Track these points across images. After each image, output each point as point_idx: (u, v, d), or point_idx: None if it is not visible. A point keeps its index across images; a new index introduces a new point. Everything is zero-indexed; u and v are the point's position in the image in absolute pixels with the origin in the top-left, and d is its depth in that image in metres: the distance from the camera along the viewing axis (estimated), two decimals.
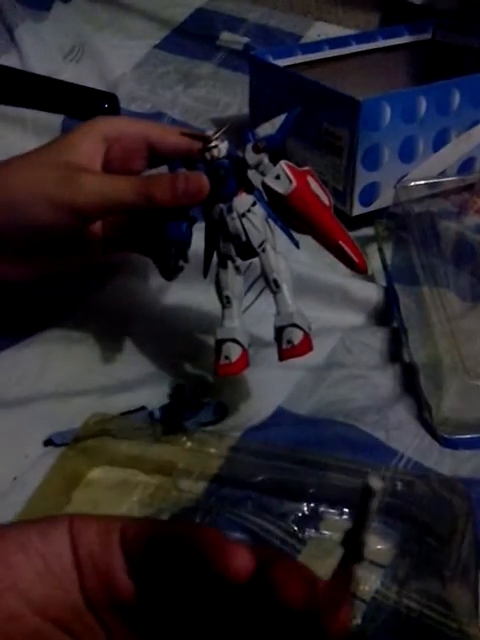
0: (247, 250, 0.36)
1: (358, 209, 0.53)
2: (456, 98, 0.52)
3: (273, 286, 0.36)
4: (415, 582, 0.31)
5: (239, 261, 0.37)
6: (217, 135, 0.35)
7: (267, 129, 0.36)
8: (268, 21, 0.89)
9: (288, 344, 0.36)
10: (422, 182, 0.53)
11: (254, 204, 0.35)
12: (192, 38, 0.85)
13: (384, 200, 0.53)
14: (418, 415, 0.41)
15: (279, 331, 0.36)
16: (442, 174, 0.55)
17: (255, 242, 0.35)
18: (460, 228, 0.54)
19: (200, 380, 0.43)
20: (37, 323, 0.47)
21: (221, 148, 0.35)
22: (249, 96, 0.65)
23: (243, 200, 0.35)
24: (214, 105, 0.74)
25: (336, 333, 0.46)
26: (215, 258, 0.38)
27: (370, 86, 0.65)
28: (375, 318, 0.48)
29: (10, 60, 0.73)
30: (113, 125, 0.38)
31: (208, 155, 0.35)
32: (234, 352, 0.36)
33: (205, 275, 0.39)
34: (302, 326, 0.36)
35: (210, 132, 0.35)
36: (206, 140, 0.35)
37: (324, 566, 0.32)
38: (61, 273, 0.46)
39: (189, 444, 0.36)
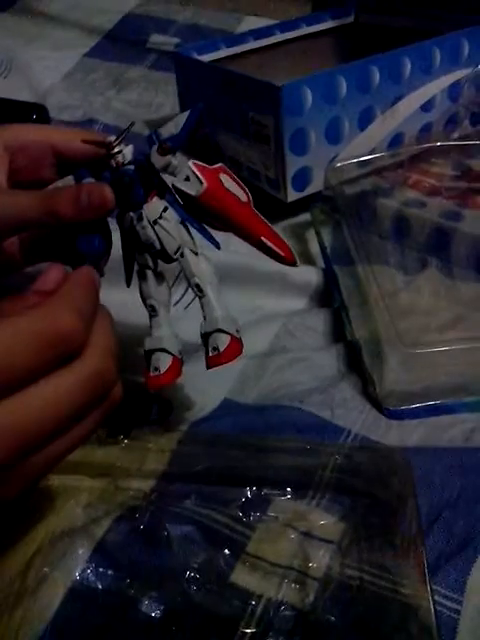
0: (165, 256, 0.35)
1: (292, 195, 0.53)
2: (376, 76, 0.52)
3: (196, 291, 0.35)
4: (365, 554, 0.31)
5: (162, 266, 0.36)
6: (118, 140, 0.33)
7: (170, 129, 0.34)
8: (198, 20, 0.89)
9: (214, 351, 0.34)
10: (353, 161, 0.53)
11: (166, 209, 0.34)
12: (122, 43, 0.85)
13: (317, 184, 0.54)
14: (363, 391, 0.41)
15: (205, 338, 0.34)
16: (372, 152, 0.55)
17: (170, 249, 0.34)
18: (396, 204, 0.55)
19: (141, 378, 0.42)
20: None
21: (125, 153, 0.33)
22: (178, 94, 0.65)
23: (153, 206, 0.34)
24: (147, 107, 0.74)
25: (278, 319, 0.46)
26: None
27: (298, 74, 0.66)
28: (316, 301, 0.49)
29: None
30: (13, 133, 0.36)
31: (113, 162, 0.33)
32: (164, 362, 0.35)
33: (128, 284, 0.38)
34: (228, 331, 0.34)
35: (111, 138, 0.33)
36: (108, 147, 0.33)
37: (276, 549, 0.32)
38: None
39: (126, 442, 0.35)
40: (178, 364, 0.35)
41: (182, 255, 0.35)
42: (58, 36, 0.87)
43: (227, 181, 0.34)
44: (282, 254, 0.35)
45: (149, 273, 0.35)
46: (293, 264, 0.36)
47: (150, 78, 0.78)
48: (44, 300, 0.26)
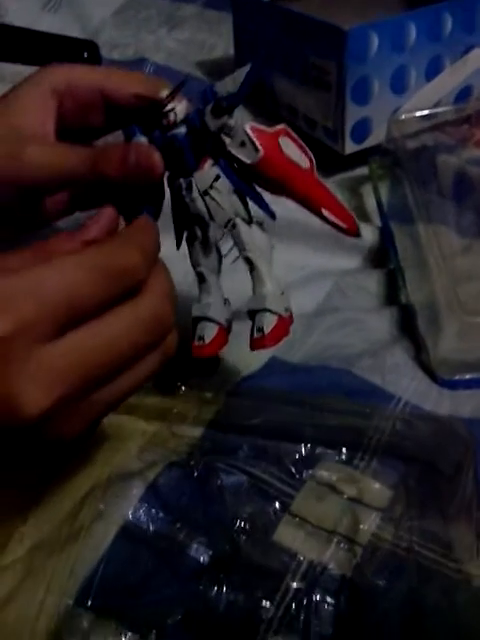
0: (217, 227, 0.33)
1: (350, 147, 0.51)
2: (448, 23, 0.49)
3: (247, 264, 0.33)
4: (415, 521, 0.31)
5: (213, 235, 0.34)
6: (170, 97, 0.30)
7: (228, 86, 0.31)
8: None
9: (259, 332, 0.32)
10: (416, 115, 0.50)
11: (217, 178, 0.32)
12: None
13: (377, 136, 0.51)
14: (415, 357, 0.40)
15: (251, 314, 0.33)
16: (437, 105, 0.52)
17: (220, 222, 0.32)
18: (459, 162, 0.52)
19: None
20: None
21: (178, 111, 0.31)
22: (233, 35, 0.62)
23: (205, 175, 0.31)
24: (199, 47, 0.71)
25: (330, 277, 0.45)
26: None
27: (362, 17, 0.62)
28: (371, 260, 0.47)
29: None
30: (63, 76, 0.33)
31: (164, 120, 0.31)
32: (209, 332, 0.33)
33: (178, 247, 0.36)
34: (276, 310, 0.32)
35: (164, 93, 0.31)
36: (160, 105, 0.30)
37: (320, 511, 0.32)
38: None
39: (183, 389, 0.35)
40: (224, 334, 0.34)
41: (234, 226, 0.33)
42: None
43: (287, 145, 0.32)
44: (345, 226, 0.33)
45: (197, 242, 0.34)
46: (357, 236, 0.34)
47: (203, 17, 0.75)
48: (105, 238, 0.26)
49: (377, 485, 0.31)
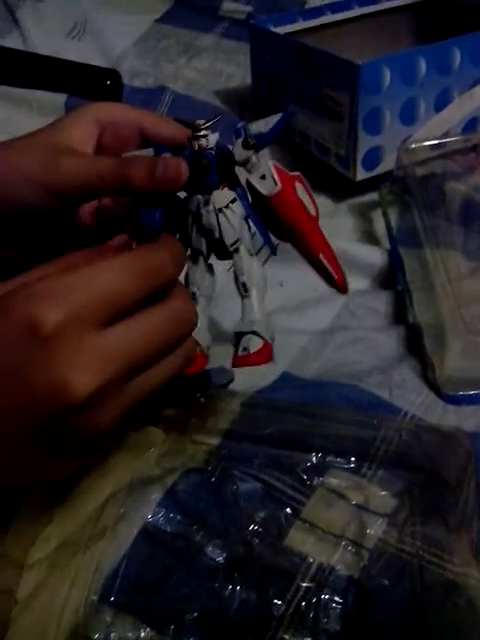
0: (221, 249, 0.34)
1: (362, 174, 0.53)
2: (456, 57, 0.51)
3: (241, 290, 0.35)
4: (419, 528, 0.32)
5: (214, 260, 0.36)
6: (208, 124, 0.33)
7: (260, 126, 0.34)
8: None
9: (243, 351, 0.34)
10: (425, 144, 0.53)
11: (234, 201, 0.34)
12: (194, 10, 0.85)
13: (388, 164, 0.53)
14: (422, 374, 0.41)
15: (238, 337, 0.35)
16: (446, 135, 0.54)
17: (228, 240, 0.34)
18: (467, 188, 0.54)
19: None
20: None
21: (210, 139, 0.33)
22: (251, 65, 0.65)
23: (223, 195, 0.33)
24: (217, 76, 0.74)
25: (340, 298, 0.47)
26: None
27: (374, 49, 0.65)
28: (380, 282, 0.49)
29: (12, 41, 0.74)
30: (107, 111, 0.38)
31: (195, 144, 0.33)
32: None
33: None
34: (263, 335, 0.34)
35: (201, 121, 0.33)
36: (195, 128, 0.33)
37: (329, 517, 0.33)
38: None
39: (202, 400, 0.37)
40: (202, 358, 0.35)
41: (237, 251, 0.34)
42: (130, 0, 0.87)
43: (301, 191, 0.34)
44: (335, 277, 0.35)
45: (201, 260, 0.35)
46: (344, 292, 0.35)
47: (221, 47, 0.78)
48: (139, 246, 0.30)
49: (383, 493, 0.33)
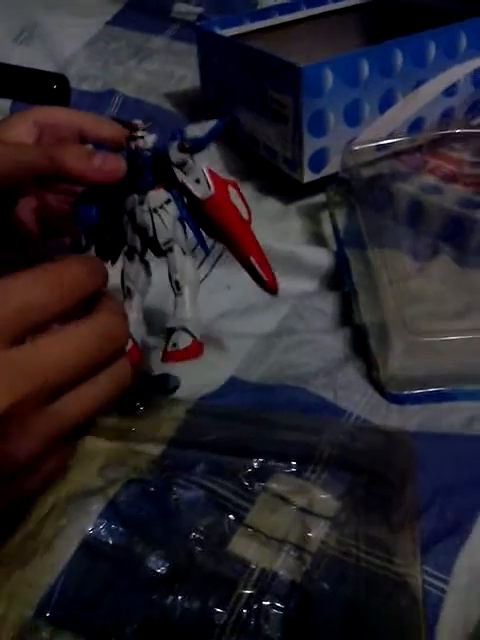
0: (155, 247, 0.35)
1: (309, 176, 0.54)
2: (399, 59, 0.52)
3: (175, 288, 0.35)
4: (362, 529, 0.32)
5: (150, 256, 0.36)
6: (145, 126, 0.34)
7: (195, 131, 0.35)
8: None
9: (173, 346, 0.35)
10: (370, 145, 0.53)
11: (168, 202, 0.35)
12: (145, 12, 0.84)
13: (334, 165, 0.54)
14: (367, 375, 0.42)
15: (169, 332, 0.35)
16: (391, 136, 0.55)
17: (161, 239, 0.35)
18: (413, 189, 0.55)
19: (150, 354, 0.43)
20: None
21: (147, 140, 0.34)
22: (199, 68, 0.65)
23: (158, 195, 0.34)
24: (168, 78, 0.73)
25: (289, 300, 0.47)
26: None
27: (322, 50, 0.65)
28: (327, 283, 0.49)
29: None
30: (47, 113, 0.39)
31: (133, 144, 0.34)
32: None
33: (114, 261, 0.38)
34: (193, 333, 0.35)
35: (138, 121, 0.34)
36: (133, 128, 0.34)
37: (273, 522, 0.33)
38: None
39: (142, 409, 0.37)
40: (136, 351, 0.35)
41: (171, 250, 0.35)
42: (81, 2, 0.86)
43: (234, 195, 0.35)
44: (265, 279, 0.36)
45: (136, 257, 0.36)
46: (273, 292, 0.37)
47: (172, 49, 0.78)
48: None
49: (325, 495, 0.33)
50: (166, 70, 0.74)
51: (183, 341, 0.34)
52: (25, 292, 0.25)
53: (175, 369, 0.42)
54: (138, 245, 0.35)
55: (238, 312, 0.47)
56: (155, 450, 0.35)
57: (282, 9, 0.67)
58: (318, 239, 0.53)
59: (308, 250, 0.50)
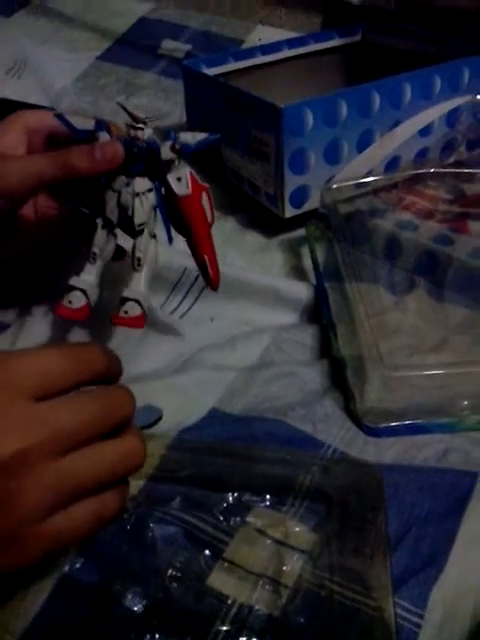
0: (129, 226, 0.41)
1: (290, 211, 0.55)
2: (376, 100, 0.54)
3: (135, 263, 0.41)
4: (336, 562, 0.33)
5: (120, 234, 0.42)
6: (148, 121, 0.39)
7: (188, 138, 0.40)
8: (210, 27, 0.91)
9: (124, 313, 0.41)
10: (348, 183, 0.55)
11: (150, 190, 0.40)
12: (134, 48, 0.86)
13: (314, 202, 0.55)
14: (345, 407, 0.43)
15: (122, 301, 0.41)
16: (369, 174, 0.57)
17: (137, 220, 0.40)
18: (390, 225, 0.57)
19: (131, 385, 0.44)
20: None
21: (146, 132, 0.39)
22: (185, 105, 0.67)
23: (143, 183, 0.40)
24: (155, 114, 0.75)
25: (269, 333, 0.48)
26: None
27: (304, 90, 0.67)
28: (306, 316, 0.50)
29: None
30: (34, 117, 0.42)
31: (132, 132, 0.39)
32: (78, 301, 0.41)
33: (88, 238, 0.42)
34: (144, 305, 0.41)
35: (142, 115, 0.39)
36: (136, 119, 0.39)
37: (251, 556, 0.34)
38: None
39: None
40: (87, 309, 0.41)
41: (141, 232, 0.41)
42: (72, 37, 0.89)
43: (205, 200, 0.41)
44: (211, 276, 0.43)
45: (108, 230, 0.41)
46: (215, 289, 0.44)
47: (160, 85, 0.80)
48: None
49: (300, 528, 0.34)
50: (154, 106, 0.76)
51: (133, 311, 0.41)
52: (46, 358, 0.27)
53: (158, 400, 0.42)
54: (115, 219, 0.41)
55: (220, 345, 0.48)
56: (134, 487, 0.36)
57: (265, 49, 0.69)
58: (298, 272, 0.54)
59: (288, 283, 0.52)
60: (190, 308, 0.51)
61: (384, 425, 0.41)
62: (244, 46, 0.85)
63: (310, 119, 0.51)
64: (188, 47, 0.85)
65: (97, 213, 0.41)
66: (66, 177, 0.38)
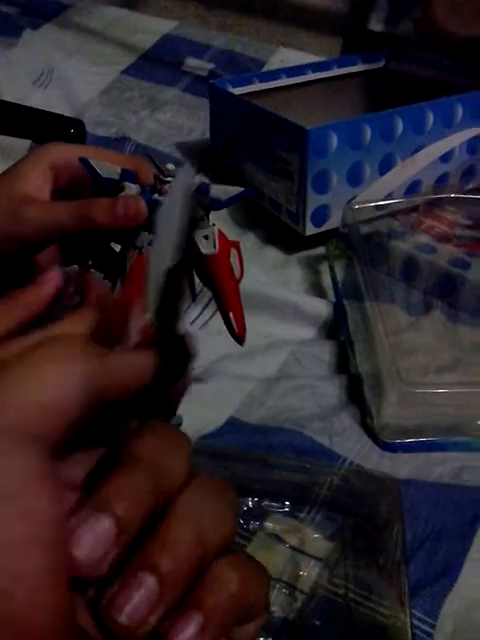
0: None
1: (310, 229, 0.57)
2: (399, 126, 0.56)
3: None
4: (351, 571, 0.34)
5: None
6: (174, 172, 0.37)
7: (220, 192, 0.38)
8: (233, 47, 0.93)
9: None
10: (369, 204, 0.56)
11: None
12: (158, 64, 0.89)
13: (335, 221, 0.57)
14: (361, 422, 0.43)
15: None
16: (389, 196, 0.58)
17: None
18: (408, 247, 0.58)
19: None
20: None
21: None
22: (210, 122, 0.68)
23: None
24: (178, 129, 0.77)
25: (288, 346, 0.49)
26: None
27: (326, 112, 0.69)
28: (325, 332, 0.51)
29: None
30: (60, 153, 0.39)
31: (158, 185, 0.37)
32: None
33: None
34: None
35: (171, 166, 0.37)
36: (164, 173, 0.37)
37: (268, 561, 0.35)
38: None
39: None
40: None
41: None
42: (98, 51, 0.91)
43: (234, 256, 0.39)
44: (237, 332, 0.40)
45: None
46: (241, 344, 0.40)
47: (183, 101, 0.82)
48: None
49: (317, 535, 0.35)
50: (177, 121, 0.78)
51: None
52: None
53: (178, 408, 0.43)
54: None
55: (239, 355, 0.49)
56: None
57: (289, 72, 0.71)
58: (317, 289, 0.55)
59: (308, 299, 0.53)
60: (210, 319, 0.52)
61: (400, 441, 0.42)
62: (266, 67, 0.87)
63: (334, 141, 0.53)
64: (211, 66, 0.88)
65: (116, 272, 0.39)
66: (85, 229, 0.36)
